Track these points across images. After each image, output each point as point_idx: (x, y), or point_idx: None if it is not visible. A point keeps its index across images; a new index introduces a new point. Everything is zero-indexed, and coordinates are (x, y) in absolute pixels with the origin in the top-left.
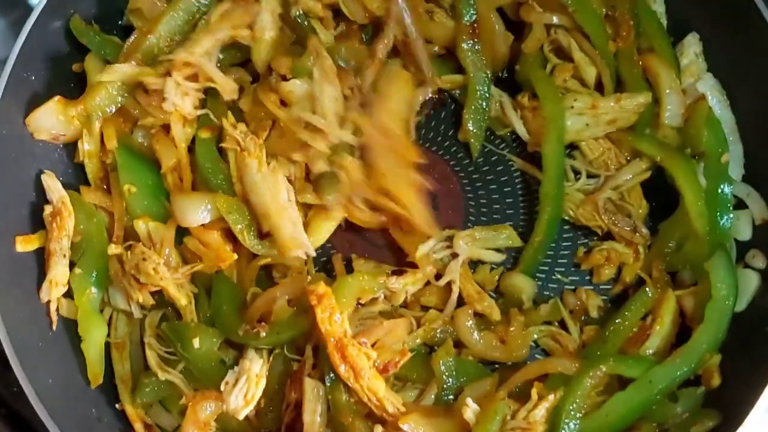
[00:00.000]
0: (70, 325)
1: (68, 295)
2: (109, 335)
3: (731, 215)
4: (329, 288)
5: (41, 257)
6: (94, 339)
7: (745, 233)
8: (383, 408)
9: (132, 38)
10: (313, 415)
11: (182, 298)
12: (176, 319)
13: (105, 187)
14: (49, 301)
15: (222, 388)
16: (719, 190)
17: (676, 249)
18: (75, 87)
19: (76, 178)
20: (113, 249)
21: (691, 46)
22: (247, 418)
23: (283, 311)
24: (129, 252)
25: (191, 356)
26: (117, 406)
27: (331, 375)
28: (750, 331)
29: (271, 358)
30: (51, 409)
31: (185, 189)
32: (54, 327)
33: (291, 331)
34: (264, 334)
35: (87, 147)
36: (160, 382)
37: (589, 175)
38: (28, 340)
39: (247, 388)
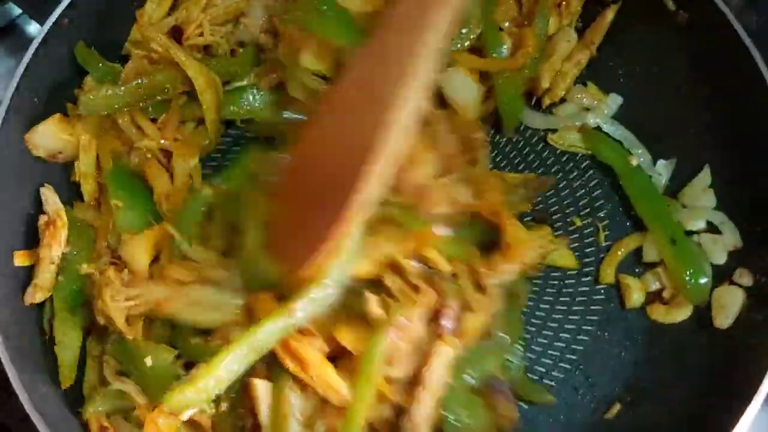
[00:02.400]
0: None
1: None
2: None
3: None
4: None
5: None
6: (68, 342)
7: (720, 258)
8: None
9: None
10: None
11: (129, 332)
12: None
13: (99, 205)
14: (41, 310)
15: None
16: None
17: None
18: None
19: (73, 197)
20: (85, 268)
21: None
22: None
23: None
24: (99, 274)
25: (143, 374)
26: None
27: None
28: (737, 346)
29: None
30: (46, 416)
31: None
32: (47, 335)
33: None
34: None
35: (83, 168)
36: (112, 391)
37: None
38: (22, 349)
39: None
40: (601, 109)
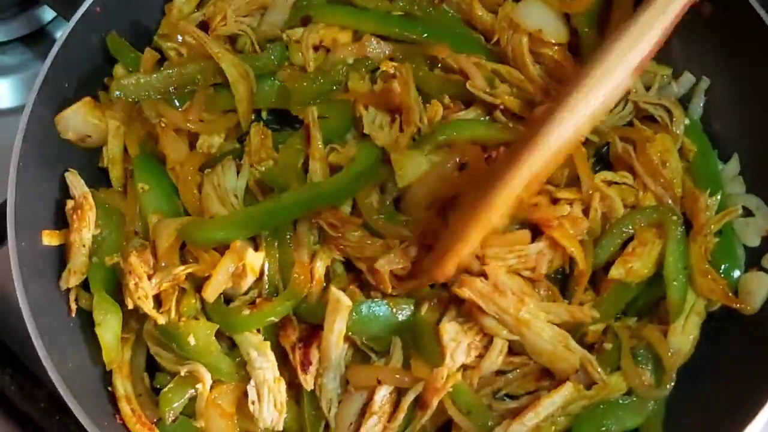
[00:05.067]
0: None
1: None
2: None
3: None
4: None
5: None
6: (108, 324)
7: (754, 240)
8: None
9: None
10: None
11: (159, 317)
12: None
13: (125, 191)
14: (68, 290)
15: (251, 409)
16: None
17: None
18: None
19: (100, 182)
20: (110, 259)
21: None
22: None
23: None
24: (122, 261)
25: (190, 354)
26: (109, 388)
27: None
28: (763, 332)
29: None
30: (72, 390)
31: None
32: (73, 314)
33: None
34: None
35: (112, 153)
36: (181, 379)
37: None
38: (51, 326)
39: (273, 398)
40: None
